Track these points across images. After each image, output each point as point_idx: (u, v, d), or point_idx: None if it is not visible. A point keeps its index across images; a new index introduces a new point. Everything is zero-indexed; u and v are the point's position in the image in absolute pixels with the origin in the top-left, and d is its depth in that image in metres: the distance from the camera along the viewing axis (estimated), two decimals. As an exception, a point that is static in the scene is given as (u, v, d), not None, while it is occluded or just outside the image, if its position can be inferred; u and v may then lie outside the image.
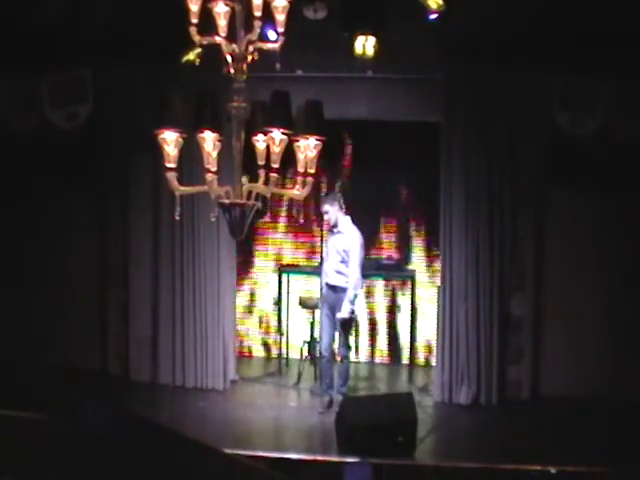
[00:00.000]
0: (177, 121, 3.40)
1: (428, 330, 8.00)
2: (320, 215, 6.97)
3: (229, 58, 3.42)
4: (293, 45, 3.45)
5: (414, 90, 7.03)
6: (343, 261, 6.48)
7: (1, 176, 7.15)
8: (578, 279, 7.06)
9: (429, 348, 8.10)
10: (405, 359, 8.17)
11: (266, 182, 3.46)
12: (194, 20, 3.38)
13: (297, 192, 3.52)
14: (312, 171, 3.49)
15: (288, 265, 8.19)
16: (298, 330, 8.07)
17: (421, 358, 8.21)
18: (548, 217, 7.08)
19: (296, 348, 7.83)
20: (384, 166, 8.02)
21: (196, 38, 3.43)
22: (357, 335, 8.23)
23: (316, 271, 7.25)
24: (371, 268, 7.35)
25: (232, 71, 3.44)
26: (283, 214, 8.33)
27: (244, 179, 3.48)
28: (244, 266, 8.32)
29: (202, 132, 3.40)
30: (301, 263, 8.32)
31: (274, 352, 8.29)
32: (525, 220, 7.01)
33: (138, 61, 6.77)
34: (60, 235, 7.49)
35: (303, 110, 3.48)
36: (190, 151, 3.59)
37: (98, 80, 6.80)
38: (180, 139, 3.42)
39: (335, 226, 6.57)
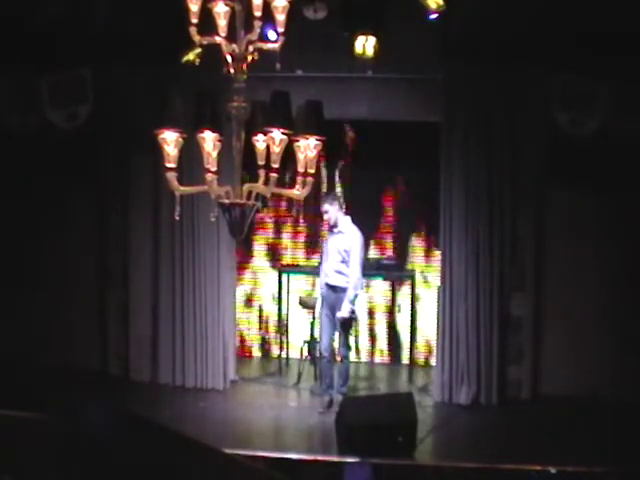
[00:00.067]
0: (177, 121, 3.41)
1: (428, 330, 8.00)
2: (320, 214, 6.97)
3: (229, 58, 3.43)
4: (293, 45, 3.45)
5: (414, 90, 7.03)
6: (343, 261, 6.48)
7: (1, 176, 7.15)
8: (578, 279, 7.05)
9: (429, 348, 8.11)
10: (405, 359, 8.17)
11: (266, 182, 3.47)
12: (194, 20, 3.39)
13: (297, 192, 3.52)
14: (312, 171, 3.50)
15: (288, 265, 8.19)
16: (298, 330, 8.07)
17: (421, 358, 8.21)
18: (548, 217, 7.08)
19: (296, 348, 7.83)
20: (384, 166, 8.03)
21: (196, 38, 3.44)
22: (357, 335, 8.23)
23: (316, 271, 7.25)
24: (371, 268, 7.35)
25: (232, 71, 3.44)
26: (284, 213, 8.34)
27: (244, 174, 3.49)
28: (244, 266, 8.33)
29: (202, 132, 3.41)
30: (301, 263, 8.32)
31: (274, 352, 8.30)
32: (525, 220, 7.01)
33: (138, 61, 6.76)
34: (60, 235, 7.48)
35: (303, 110, 3.48)
36: (190, 151, 3.59)
37: (98, 80, 6.80)
38: (180, 139, 3.42)
39: (335, 226, 6.57)
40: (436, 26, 5.91)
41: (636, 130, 6.37)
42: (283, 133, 3.37)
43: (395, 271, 7.87)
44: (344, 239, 6.51)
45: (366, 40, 6.00)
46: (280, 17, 3.37)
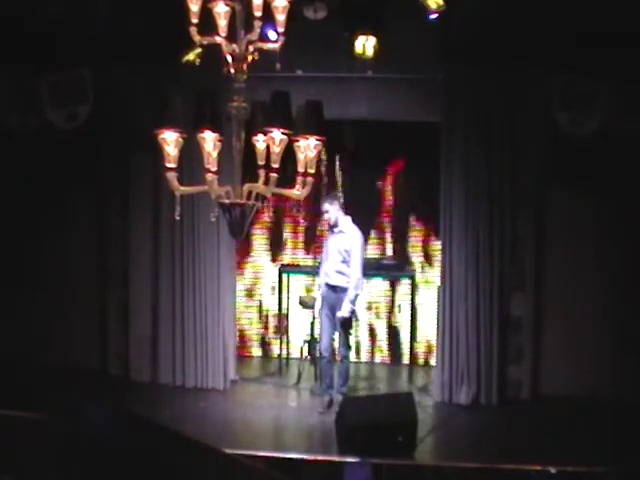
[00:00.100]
0: (177, 121, 3.41)
1: (428, 330, 8.00)
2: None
3: (229, 58, 3.43)
4: (293, 45, 3.45)
5: (414, 90, 7.03)
6: (344, 261, 6.48)
7: (1, 176, 7.15)
8: (578, 279, 7.05)
9: (429, 348, 8.10)
10: (405, 359, 8.17)
11: (266, 182, 3.47)
12: (194, 20, 3.39)
13: (297, 192, 3.52)
14: (312, 171, 3.50)
15: (288, 265, 8.19)
16: (298, 330, 8.07)
17: (421, 358, 8.21)
18: (548, 217, 7.08)
19: (296, 348, 7.83)
20: (384, 166, 8.02)
21: (196, 38, 3.43)
22: (357, 335, 8.23)
23: (316, 271, 7.25)
24: (371, 268, 7.35)
25: (232, 71, 3.44)
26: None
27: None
28: (244, 265, 8.34)
29: (202, 132, 3.41)
30: (301, 263, 8.32)
31: (274, 352, 8.30)
32: (525, 220, 7.01)
33: (138, 61, 6.76)
34: (60, 235, 7.48)
35: (303, 110, 3.48)
36: (190, 151, 3.59)
37: (98, 80, 6.80)
38: (180, 139, 3.42)
39: (335, 226, 6.57)
40: (436, 26, 5.91)
41: (636, 130, 6.37)
42: (283, 133, 3.37)
43: (395, 271, 7.87)
44: (345, 239, 6.51)
45: (366, 40, 6.00)
46: (280, 17, 3.37)
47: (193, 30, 3.40)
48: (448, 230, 7.00)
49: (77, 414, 2.45)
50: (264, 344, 8.46)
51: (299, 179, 3.48)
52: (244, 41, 3.39)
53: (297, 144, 3.44)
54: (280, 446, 6.01)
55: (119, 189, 7.34)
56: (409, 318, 7.88)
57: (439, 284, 7.16)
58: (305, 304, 7.64)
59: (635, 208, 6.83)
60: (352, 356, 7.59)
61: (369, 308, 8.32)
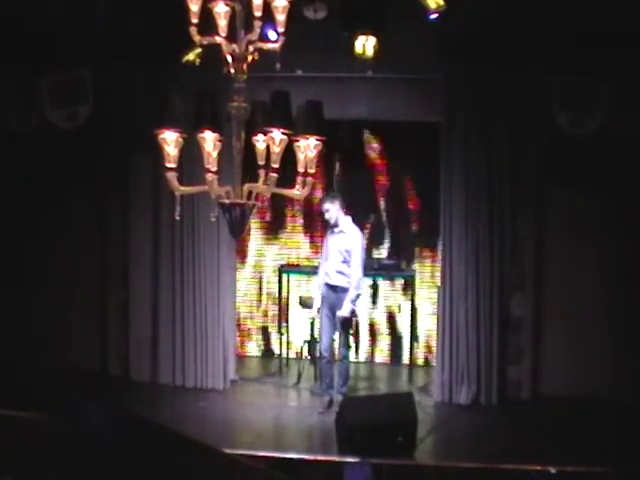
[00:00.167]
0: (177, 121, 3.41)
1: (428, 330, 8.00)
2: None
3: (229, 58, 3.43)
4: (293, 45, 3.45)
5: (414, 90, 7.03)
6: (345, 261, 6.48)
7: (1, 176, 7.15)
8: (578, 279, 7.05)
9: (429, 348, 8.10)
10: (405, 359, 8.17)
11: (266, 182, 3.47)
12: (194, 20, 3.39)
13: (297, 192, 3.52)
14: (312, 171, 3.50)
15: (288, 265, 8.19)
16: (298, 330, 8.07)
17: (421, 358, 8.21)
18: (548, 217, 7.08)
19: (296, 348, 7.83)
20: (384, 166, 8.02)
21: (196, 38, 3.44)
22: (357, 335, 8.23)
23: (316, 271, 7.25)
24: (371, 268, 7.36)
25: (232, 71, 3.44)
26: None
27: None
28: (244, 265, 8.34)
29: (202, 132, 3.41)
30: (301, 263, 8.32)
31: (274, 352, 8.30)
32: (525, 220, 7.01)
33: (138, 61, 6.76)
34: (60, 235, 7.48)
35: (303, 110, 3.48)
36: (190, 151, 3.59)
37: (98, 80, 6.80)
38: (180, 139, 3.42)
39: (335, 225, 6.57)
40: (436, 26, 5.91)
41: (636, 130, 6.37)
42: (283, 133, 3.37)
43: (395, 271, 7.87)
44: (345, 239, 6.51)
45: (366, 40, 6.00)
46: (280, 17, 3.37)
47: (193, 30, 3.40)
48: (448, 230, 7.00)
49: (77, 414, 2.45)
50: (264, 344, 8.46)
51: (299, 179, 3.48)
52: (244, 41, 3.39)
53: (297, 144, 3.44)
54: (280, 446, 6.00)
55: (119, 189, 7.34)
56: (409, 318, 7.88)
57: (439, 284, 7.16)
58: (305, 304, 7.64)
59: (635, 208, 6.82)
60: (352, 356, 7.59)
61: (370, 308, 8.32)
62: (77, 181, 7.41)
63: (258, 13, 3.33)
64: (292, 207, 8.21)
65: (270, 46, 3.45)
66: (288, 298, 8.10)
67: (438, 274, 7.32)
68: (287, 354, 8.02)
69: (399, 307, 8.29)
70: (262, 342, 8.47)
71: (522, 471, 5.18)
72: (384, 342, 8.34)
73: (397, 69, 6.81)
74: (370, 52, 6.06)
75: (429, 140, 7.03)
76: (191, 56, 6.12)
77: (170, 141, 3.40)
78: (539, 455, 5.49)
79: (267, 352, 8.45)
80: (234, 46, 3.39)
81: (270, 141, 3.41)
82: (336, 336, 6.64)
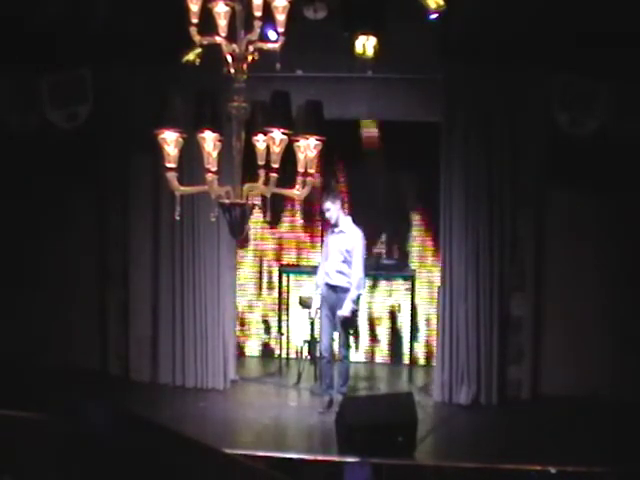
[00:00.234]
0: (177, 121, 3.40)
1: (428, 330, 8.00)
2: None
3: (229, 58, 3.42)
4: (293, 45, 3.45)
5: (414, 90, 7.03)
6: (345, 261, 6.48)
7: (1, 176, 7.15)
8: (578, 279, 7.05)
9: (429, 348, 8.10)
10: (405, 359, 8.17)
11: (266, 182, 3.47)
12: (194, 20, 3.39)
13: (297, 192, 3.52)
14: (312, 171, 3.50)
15: (288, 265, 8.19)
16: (298, 330, 8.07)
17: (421, 358, 8.21)
18: (548, 217, 7.08)
19: (296, 348, 7.83)
20: (384, 166, 8.02)
21: (196, 38, 3.43)
22: (357, 335, 8.23)
23: (316, 271, 7.25)
24: (371, 268, 7.36)
25: (232, 71, 3.44)
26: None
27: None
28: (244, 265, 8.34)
29: (202, 132, 3.40)
30: (301, 263, 8.32)
31: (274, 352, 8.30)
32: (525, 220, 7.01)
33: (138, 61, 6.76)
34: (60, 235, 7.49)
35: (303, 110, 3.48)
36: (190, 151, 3.59)
37: (98, 80, 6.80)
38: (180, 139, 3.42)
39: (336, 225, 6.57)
40: (436, 26, 5.91)
41: (636, 130, 6.37)
42: (283, 133, 3.37)
43: (395, 271, 7.87)
44: (346, 239, 6.51)
45: (366, 40, 6.00)
46: (280, 17, 3.37)
47: (193, 30, 3.40)
48: (448, 230, 7.00)
49: (77, 414, 2.45)
50: (264, 344, 8.45)
51: (299, 179, 3.48)
52: (244, 41, 3.39)
53: (297, 144, 3.44)
54: (280, 446, 6.00)
55: (119, 189, 7.34)
56: (409, 318, 7.88)
57: (439, 284, 7.16)
58: (305, 304, 7.64)
59: (635, 208, 6.83)
60: (352, 356, 7.59)
61: (369, 308, 8.32)
62: (77, 181, 7.41)
63: (258, 13, 3.33)
64: (292, 207, 8.22)
65: (270, 46, 3.44)
66: (288, 298, 8.10)
67: (438, 274, 7.33)
68: (287, 354, 8.02)
69: (399, 307, 8.29)
70: (262, 342, 8.47)
71: (522, 471, 5.19)
72: (384, 342, 8.34)
73: (397, 69, 6.80)
74: (370, 52, 6.06)
75: (429, 140, 7.03)
76: (191, 56, 6.12)
77: (170, 141, 3.40)
78: (539, 455, 5.49)
79: (267, 352, 8.45)
80: (234, 46, 3.39)
81: (270, 141, 3.41)
82: (336, 336, 6.64)
